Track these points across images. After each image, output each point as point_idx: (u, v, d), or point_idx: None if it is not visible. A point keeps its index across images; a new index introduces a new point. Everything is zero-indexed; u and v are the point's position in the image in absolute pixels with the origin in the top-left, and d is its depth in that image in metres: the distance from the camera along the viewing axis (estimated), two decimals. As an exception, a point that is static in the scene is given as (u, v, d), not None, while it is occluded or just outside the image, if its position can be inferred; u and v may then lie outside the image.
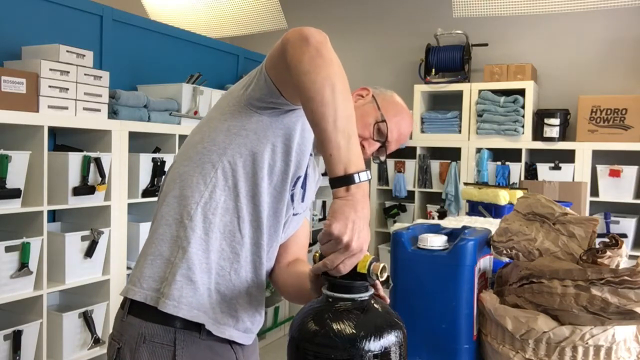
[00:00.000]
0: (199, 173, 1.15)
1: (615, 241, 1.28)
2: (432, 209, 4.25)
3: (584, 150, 3.78)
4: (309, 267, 1.24)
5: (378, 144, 1.30)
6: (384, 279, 0.93)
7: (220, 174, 1.14)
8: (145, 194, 2.91)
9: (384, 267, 0.92)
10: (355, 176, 0.92)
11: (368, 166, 4.30)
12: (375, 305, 0.94)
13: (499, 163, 4.01)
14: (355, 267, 0.92)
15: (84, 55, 2.61)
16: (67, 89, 2.52)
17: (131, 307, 1.17)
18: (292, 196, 1.23)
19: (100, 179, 2.63)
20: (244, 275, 1.19)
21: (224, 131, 1.15)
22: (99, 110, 2.67)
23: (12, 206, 2.34)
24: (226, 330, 1.18)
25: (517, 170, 3.97)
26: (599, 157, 3.78)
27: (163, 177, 1.44)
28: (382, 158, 1.34)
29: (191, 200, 1.15)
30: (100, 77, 2.68)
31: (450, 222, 1.73)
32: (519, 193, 2.09)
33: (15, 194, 2.33)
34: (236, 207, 1.15)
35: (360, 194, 0.92)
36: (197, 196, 1.15)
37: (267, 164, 1.15)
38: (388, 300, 1.04)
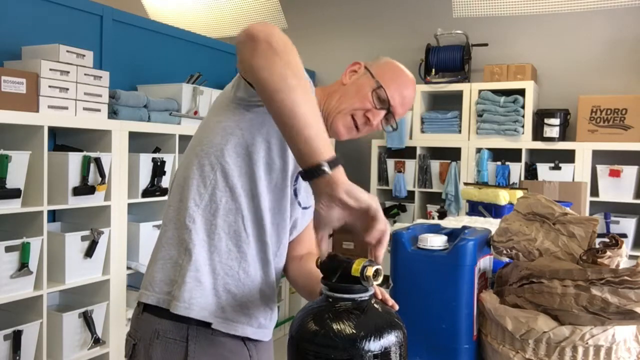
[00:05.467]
0: (199, 176, 1.16)
1: (615, 241, 1.28)
2: (432, 209, 4.25)
3: (584, 150, 3.78)
4: None
5: (382, 112, 1.25)
6: (378, 282, 0.92)
7: (219, 175, 1.15)
8: (145, 194, 2.91)
9: (377, 271, 0.91)
10: (335, 158, 0.92)
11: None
12: (375, 305, 0.94)
13: (499, 163, 4.01)
14: (349, 271, 0.93)
15: (84, 55, 2.61)
16: (67, 89, 2.52)
17: (146, 306, 1.20)
18: (295, 191, 1.23)
19: (100, 179, 2.63)
20: (253, 273, 1.19)
21: (219, 132, 1.16)
22: (99, 110, 2.67)
23: (12, 206, 2.34)
24: (239, 327, 1.19)
25: (517, 170, 3.97)
26: (599, 157, 3.78)
27: (170, 178, 1.44)
28: (394, 125, 1.29)
29: (192, 203, 1.16)
30: (100, 77, 2.68)
31: (450, 222, 1.73)
32: (519, 193, 2.09)
33: (15, 194, 2.33)
34: (238, 206, 1.16)
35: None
36: (198, 199, 1.16)
37: (263, 162, 1.15)
38: (391, 303, 1.03)
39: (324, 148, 0.92)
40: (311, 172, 0.91)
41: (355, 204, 0.90)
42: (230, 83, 1.20)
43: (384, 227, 0.93)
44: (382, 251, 0.94)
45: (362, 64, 1.30)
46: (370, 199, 0.91)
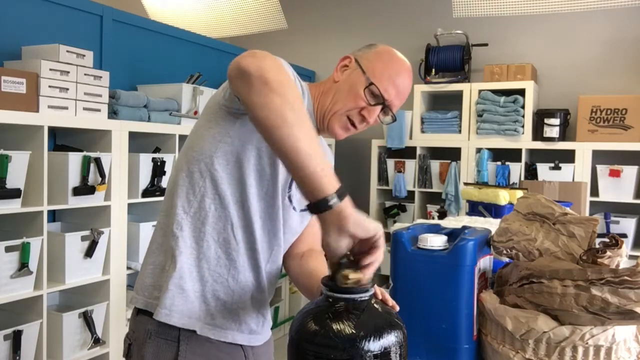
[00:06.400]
0: (189, 183, 1.16)
1: (615, 241, 1.28)
2: (432, 209, 4.25)
3: (584, 150, 3.78)
4: (323, 260, 1.24)
5: (378, 107, 1.22)
6: (349, 284, 0.92)
7: (209, 182, 1.14)
8: (145, 194, 2.91)
9: (351, 276, 0.92)
10: (341, 189, 0.92)
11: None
12: (375, 305, 0.94)
13: (499, 163, 4.01)
14: (337, 274, 0.93)
15: (84, 55, 2.61)
16: (67, 89, 2.51)
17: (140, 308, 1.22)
18: (289, 197, 1.22)
19: (100, 179, 2.63)
20: (243, 280, 1.19)
21: (209, 138, 1.15)
22: (99, 110, 2.67)
23: (12, 206, 2.33)
24: (229, 334, 1.19)
25: (517, 170, 3.97)
26: (599, 157, 3.78)
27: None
28: (393, 117, 1.26)
29: (181, 210, 1.16)
30: (100, 77, 2.68)
31: (450, 222, 1.73)
32: (519, 193, 2.09)
33: (15, 194, 2.33)
34: (227, 214, 1.15)
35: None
36: (187, 206, 1.16)
37: (254, 169, 1.14)
38: (391, 303, 1.03)
39: (329, 181, 0.91)
40: (317, 207, 0.91)
41: (363, 235, 0.92)
42: (221, 87, 1.18)
43: (381, 256, 0.95)
44: (371, 273, 0.95)
45: (353, 58, 1.26)
46: (377, 228, 0.93)
